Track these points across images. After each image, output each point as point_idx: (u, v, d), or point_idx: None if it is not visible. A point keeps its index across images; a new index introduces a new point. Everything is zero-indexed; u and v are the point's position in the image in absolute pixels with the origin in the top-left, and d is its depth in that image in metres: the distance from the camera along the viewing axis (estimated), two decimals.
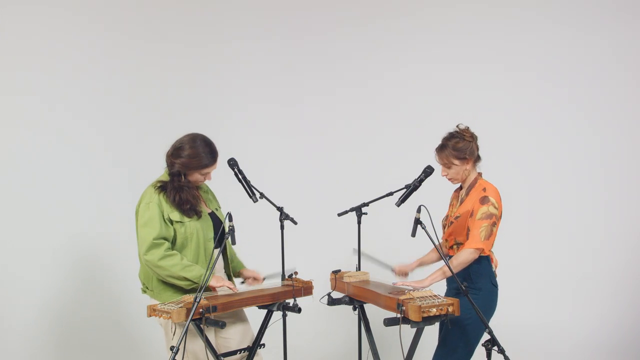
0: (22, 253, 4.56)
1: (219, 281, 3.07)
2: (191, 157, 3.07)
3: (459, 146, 3.13)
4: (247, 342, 3.25)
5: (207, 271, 2.88)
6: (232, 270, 3.38)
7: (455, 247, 3.21)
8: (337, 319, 4.77)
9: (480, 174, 3.23)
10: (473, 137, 3.17)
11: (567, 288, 4.98)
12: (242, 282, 3.41)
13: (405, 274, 3.41)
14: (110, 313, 4.75)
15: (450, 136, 3.18)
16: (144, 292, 3.20)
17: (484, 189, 3.11)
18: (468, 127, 3.20)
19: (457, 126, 3.20)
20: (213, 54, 5.18)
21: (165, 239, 3.01)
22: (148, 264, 2.99)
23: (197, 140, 3.11)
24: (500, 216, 3.12)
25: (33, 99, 4.65)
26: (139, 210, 3.06)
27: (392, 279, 3.30)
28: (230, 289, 3.09)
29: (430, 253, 3.40)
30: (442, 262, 3.13)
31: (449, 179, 3.22)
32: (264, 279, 3.36)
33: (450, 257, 3.15)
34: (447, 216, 3.32)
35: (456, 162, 3.14)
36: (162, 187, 3.08)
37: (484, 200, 3.07)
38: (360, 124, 5.22)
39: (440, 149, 3.18)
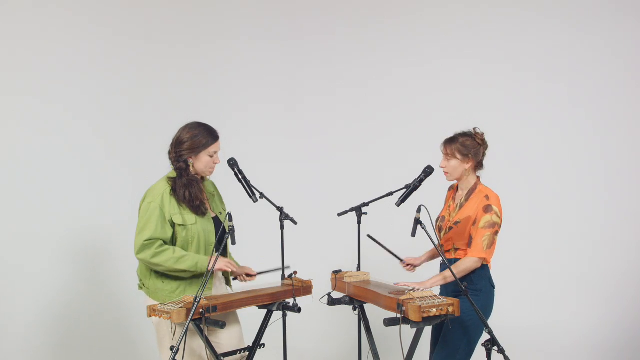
0: (22, 252, 4.55)
1: (219, 264, 3.05)
2: (193, 138, 3.09)
3: (467, 143, 3.18)
4: (234, 345, 3.24)
5: (206, 274, 2.88)
6: None
7: (452, 251, 3.22)
8: (337, 319, 4.77)
9: (479, 179, 3.24)
10: (483, 142, 3.22)
11: (567, 288, 4.97)
12: (234, 279, 3.39)
13: (412, 268, 3.45)
14: (110, 310, 4.75)
15: (463, 133, 3.23)
16: (140, 288, 3.22)
17: (487, 197, 3.15)
18: (484, 133, 3.24)
19: (474, 129, 3.24)
20: (213, 54, 5.18)
21: (159, 239, 3.03)
22: (143, 262, 3.06)
23: (191, 124, 3.16)
24: (501, 224, 3.15)
25: (33, 99, 4.65)
26: (141, 207, 3.08)
27: (394, 278, 3.30)
28: (231, 265, 3.08)
29: (433, 249, 3.41)
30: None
31: (445, 172, 3.24)
32: (257, 274, 3.35)
33: (450, 260, 3.16)
34: (442, 217, 3.33)
35: (458, 156, 3.17)
36: (173, 186, 3.09)
37: (487, 209, 3.11)
38: (360, 124, 5.22)
39: (449, 141, 3.22)
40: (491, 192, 3.18)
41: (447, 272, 3.02)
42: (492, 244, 3.09)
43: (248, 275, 3.34)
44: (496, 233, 3.10)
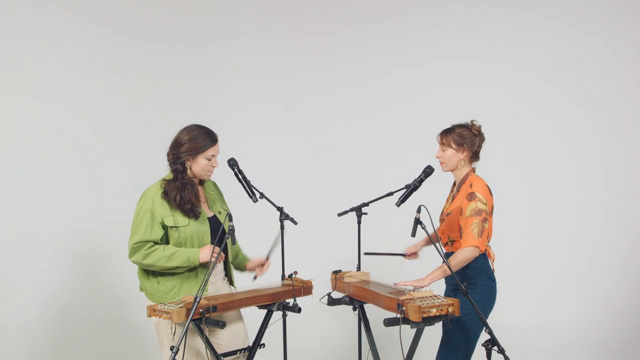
0: (22, 252, 4.56)
1: (207, 253, 3.03)
2: (192, 140, 3.08)
3: (463, 134, 3.19)
4: (238, 344, 3.24)
5: (204, 279, 2.88)
6: (239, 266, 3.40)
7: (449, 243, 3.22)
8: (337, 319, 4.77)
9: (473, 170, 3.24)
10: (480, 134, 3.22)
11: (567, 288, 4.98)
12: (255, 278, 3.39)
13: (416, 255, 3.49)
14: (111, 310, 4.75)
15: (460, 125, 3.24)
16: (141, 290, 3.22)
17: (471, 185, 3.13)
18: (481, 126, 3.24)
19: (472, 121, 3.24)
20: (213, 54, 5.18)
21: (149, 241, 3.03)
22: (137, 264, 3.07)
23: (190, 127, 3.14)
24: (491, 210, 3.13)
25: (33, 99, 4.65)
26: (135, 210, 3.09)
27: (394, 278, 3.30)
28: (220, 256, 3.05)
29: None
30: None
31: (441, 163, 3.25)
32: (267, 258, 3.34)
33: (448, 254, 3.16)
34: (442, 211, 3.33)
35: (453, 146, 3.18)
36: (166, 188, 3.08)
37: (471, 196, 3.09)
38: (360, 124, 5.23)
39: (446, 131, 3.23)
40: (477, 179, 3.16)
41: (446, 266, 2.99)
42: (482, 231, 3.04)
43: (261, 265, 3.34)
44: (485, 220, 3.05)
